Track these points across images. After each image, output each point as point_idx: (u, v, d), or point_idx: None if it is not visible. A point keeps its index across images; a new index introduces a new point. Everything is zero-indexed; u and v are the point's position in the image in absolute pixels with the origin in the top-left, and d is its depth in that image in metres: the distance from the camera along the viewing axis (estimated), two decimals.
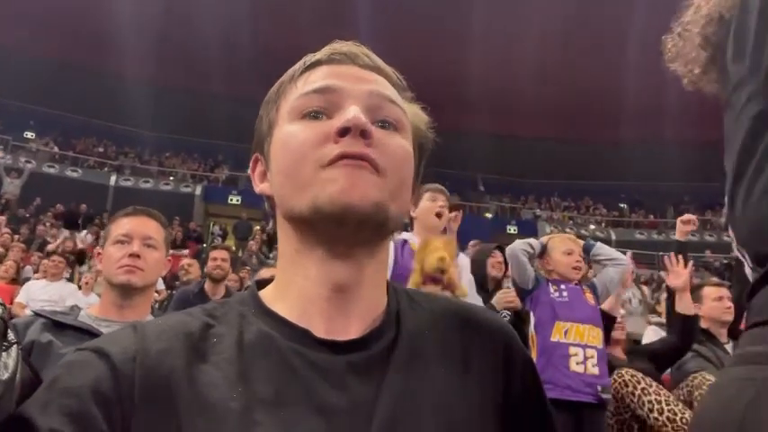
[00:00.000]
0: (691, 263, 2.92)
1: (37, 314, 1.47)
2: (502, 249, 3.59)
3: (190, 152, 20.43)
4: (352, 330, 0.56)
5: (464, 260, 2.71)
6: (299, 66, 0.62)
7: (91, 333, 1.39)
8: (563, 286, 2.62)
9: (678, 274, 2.86)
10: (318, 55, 0.61)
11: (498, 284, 3.54)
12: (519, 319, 3.39)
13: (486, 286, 3.48)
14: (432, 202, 2.58)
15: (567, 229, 18.83)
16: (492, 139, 22.56)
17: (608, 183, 21.55)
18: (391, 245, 2.49)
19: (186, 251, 11.78)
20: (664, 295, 4.83)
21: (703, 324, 2.92)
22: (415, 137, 0.63)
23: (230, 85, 20.88)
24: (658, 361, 2.92)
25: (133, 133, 20.03)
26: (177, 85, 20.94)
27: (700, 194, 21.95)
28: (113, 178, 16.80)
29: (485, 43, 19.16)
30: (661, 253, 16.09)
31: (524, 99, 21.41)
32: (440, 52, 20.19)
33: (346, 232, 0.54)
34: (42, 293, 4.56)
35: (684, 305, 2.81)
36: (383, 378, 0.54)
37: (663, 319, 4.59)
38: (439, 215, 2.56)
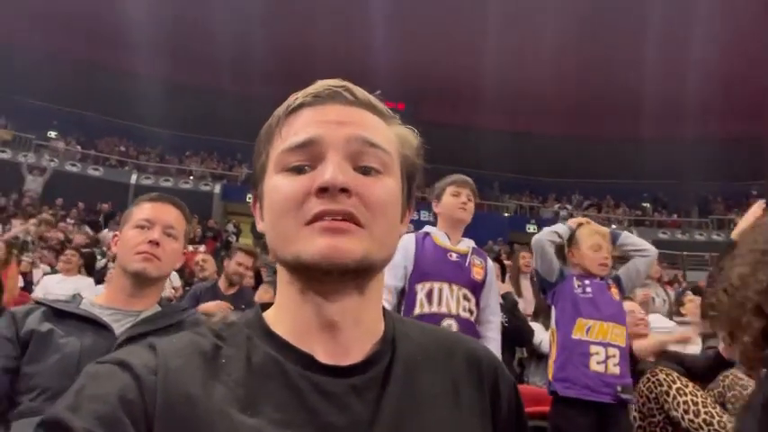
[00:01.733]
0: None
1: (38, 302, 1.43)
2: (498, 261, 3.62)
3: (209, 151, 20.61)
4: (351, 354, 0.60)
5: (491, 264, 2.64)
6: (282, 109, 0.63)
7: (93, 322, 1.36)
8: (587, 281, 2.49)
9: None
10: (300, 98, 0.62)
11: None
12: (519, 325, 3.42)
13: None
14: (455, 198, 2.50)
15: None
16: (510, 138, 22.39)
17: (630, 182, 21.24)
18: (412, 237, 2.47)
19: (203, 247, 11.90)
20: (688, 296, 4.72)
21: None
22: (402, 167, 0.65)
23: (249, 85, 21.03)
24: (696, 374, 2.75)
25: (154, 132, 20.25)
26: (197, 84, 21.13)
27: (725, 193, 21.55)
28: (134, 177, 16.99)
29: (501, 40, 19.00)
30: (685, 253, 15.73)
31: (542, 97, 21.21)
32: (456, 50, 20.09)
33: (332, 279, 0.57)
34: (58, 288, 4.52)
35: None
36: (381, 398, 0.57)
37: (686, 319, 4.50)
38: (463, 209, 2.49)
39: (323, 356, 0.58)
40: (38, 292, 4.69)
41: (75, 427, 0.48)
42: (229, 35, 19.12)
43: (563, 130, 23.02)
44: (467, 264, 2.44)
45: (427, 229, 2.54)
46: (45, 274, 5.71)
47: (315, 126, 0.60)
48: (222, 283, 3.96)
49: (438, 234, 2.49)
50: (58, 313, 1.38)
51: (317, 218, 0.56)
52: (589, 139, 22.79)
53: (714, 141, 20.91)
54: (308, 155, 0.59)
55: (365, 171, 0.60)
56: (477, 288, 2.44)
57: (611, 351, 2.37)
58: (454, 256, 2.44)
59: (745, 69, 19.11)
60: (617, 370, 2.36)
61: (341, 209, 0.56)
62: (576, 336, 2.40)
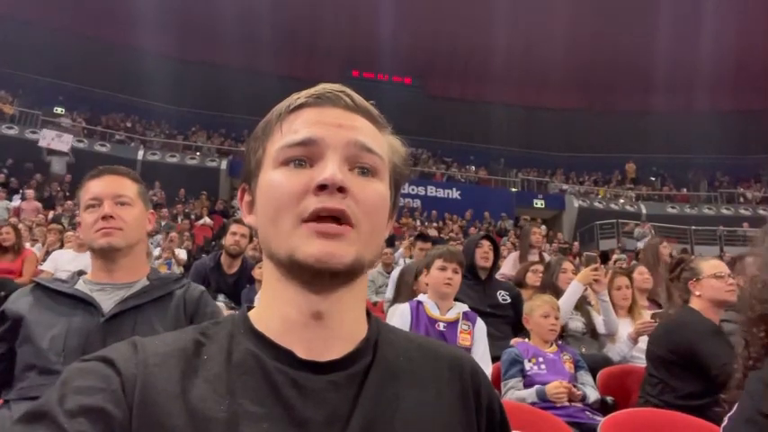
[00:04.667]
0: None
1: (37, 284, 1.46)
2: (490, 238, 3.70)
3: (216, 127, 20.57)
4: (331, 352, 0.61)
5: (480, 325, 2.71)
6: (284, 107, 0.65)
7: (85, 301, 1.39)
8: (540, 359, 2.62)
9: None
10: (303, 98, 0.64)
11: (489, 273, 3.58)
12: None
13: (477, 274, 3.55)
14: (441, 272, 2.64)
15: (596, 203, 18.51)
16: (518, 112, 22.17)
17: (639, 155, 21.02)
18: (407, 307, 2.64)
19: (211, 222, 11.96)
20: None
21: None
22: (391, 174, 0.67)
23: (255, 60, 20.86)
24: None
25: (160, 108, 20.22)
26: (203, 60, 21.01)
27: (733, 167, 21.33)
28: (141, 153, 16.99)
29: (510, 14, 18.69)
30: (693, 227, 15.56)
31: (551, 70, 20.92)
32: (464, 23, 19.78)
33: (322, 281, 0.59)
34: (69, 265, 4.48)
35: None
36: (359, 395, 0.58)
37: None
38: (448, 284, 2.64)
39: (303, 353, 0.59)
40: (47, 266, 4.70)
41: (60, 417, 0.50)
42: (236, 9, 18.90)
43: (571, 103, 22.78)
44: (456, 331, 2.58)
45: (420, 298, 2.72)
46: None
47: (315, 126, 0.62)
48: (224, 260, 3.94)
49: (428, 304, 2.65)
50: (55, 293, 1.41)
51: (314, 216, 0.58)
52: (598, 112, 22.54)
53: (725, 114, 20.65)
54: (308, 152, 0.61)
55: (360, 174, 0.62)
56: None
57: None
58: (441, 326, 2.59)
59: (758, 41, 18.73)
60: None
61: (337, 207, 0.58)
62: None
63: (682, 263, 2.62)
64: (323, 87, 0.65)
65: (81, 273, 1.54)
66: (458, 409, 0.64)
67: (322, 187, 0.58)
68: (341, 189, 0.59)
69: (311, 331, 0.60)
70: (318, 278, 0.59)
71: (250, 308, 0.68)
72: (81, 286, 1.45)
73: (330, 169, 0.59)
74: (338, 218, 0.58)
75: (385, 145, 0.67)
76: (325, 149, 0.61)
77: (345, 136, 0.62)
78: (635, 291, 3.64)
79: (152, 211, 1.59)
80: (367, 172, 0.63)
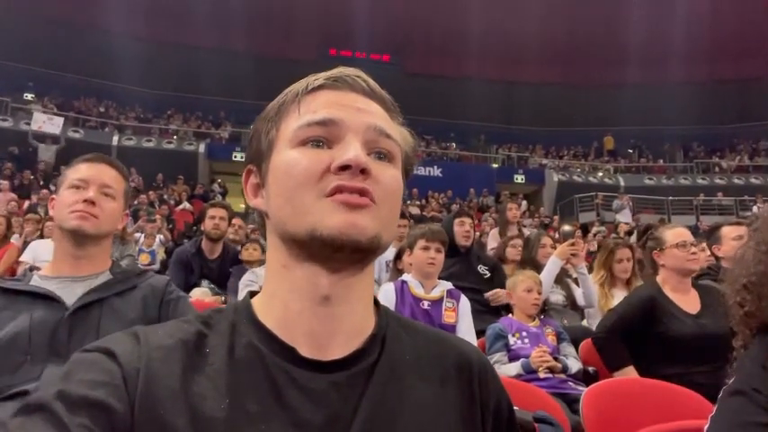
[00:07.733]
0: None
1: None
2: (469, 216, 3.68)
3: (192, 110, 20.21)
4: (336, 348, 0.60)
5: (464, 302, 2.73)
6: (300, 88, 0.64)
7: (43, 296, 1.35)
8: (524, 333, 2.65)
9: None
10: (320, 80, 0.64)
11: (469, 248, 3.59)
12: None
13: (457, 251, 3.53)
14: (424, 252, 2.66)
15: (575, 177, 18.69)
16: (497, 87, 22.14)
17: (616, 128, 21.19)
18: (392, 287, 2.66)
19: (191, 207, 11.83)
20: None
21: (725, 264, 2.86)
22: (403, 164, 0.67)
23: (230, 41, 20.47)
24: None
25: (134, 92, 19.78)
26: (176, 41, 20.54)
27: (709, 137, 21.64)
28: (116, 138, 16.65)
29: None
30: (670, 198, 15.83)
31: (528, 45, 20.88)
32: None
33: (341, 256, 0.58)
34: (47, 254, 4.31)
35: None
36: (362, 396, 0.57)
37: None
38: (432, 263, 2.66)
39: (306, 349, 0.58)
40: (26, 257, 4.61)
41: (60, 410, 0.49)
42: None
43: (548, 78, 22.80)
44: (441, 309, 2.61)
45: (404, 277, 2.74)
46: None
47: (335, 108, 0.62)
48: (205, 245, 3.89)
49: (413, 283, 2.68)
50: (10, 292, 1.36)
51: (336, 191, 0.57)
52: (575, 86, 22.61)
53: (700, 84, 20.86)
54: (327, 133, 0.61)
55: (377, 158, 0.62)
56: (448, 331, 2.53)
57: None
58: (425, 305, 2.62)
59: (731, 11, 18.88)
60: None
61: (359, 186, 0.58)
62: None
63: (649, 230, 2.66)
64: (340, 70, 0.65)
65: (33, 268, 1.49)
66: (463, 410, 0.63)
67: (344, 168, 0.58)
68: (363, 171, 0.58)
69: (317, 322, 0.59)
70: (339, 252, 0.57)
71: (253, 294, 0.66)
72: (37, 282, 1.41)
73: (354, 150, 0.59)
74: (360, 194, 0.58)
75: (398, 133, 0.67)
76: (346, 132, 0.61)
77: (365, 120, 0.62)
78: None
79: (127, 212, 1.58)
80: (384, 157, 0.63)
